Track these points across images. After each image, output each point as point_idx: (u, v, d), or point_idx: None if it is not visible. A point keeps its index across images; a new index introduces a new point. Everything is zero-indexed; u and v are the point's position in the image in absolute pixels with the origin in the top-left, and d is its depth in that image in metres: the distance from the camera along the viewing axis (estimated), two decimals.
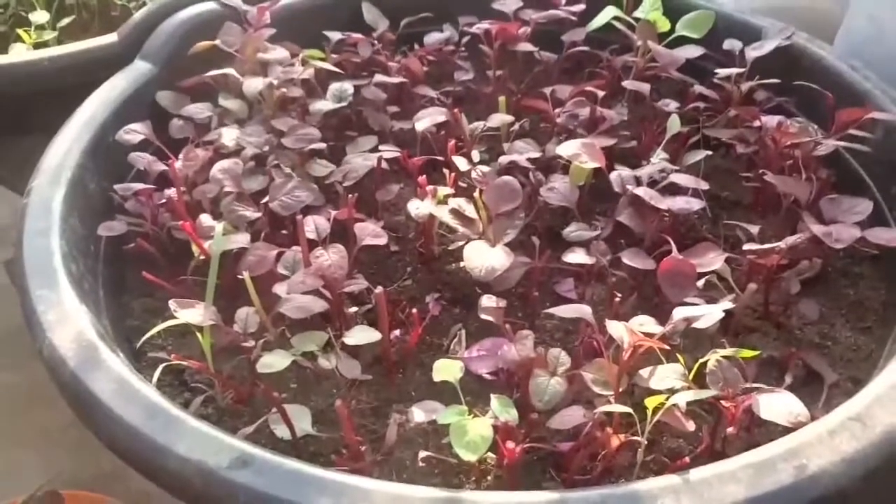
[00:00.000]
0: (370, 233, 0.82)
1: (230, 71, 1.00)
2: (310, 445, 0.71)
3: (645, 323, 0.68)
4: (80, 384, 0.65)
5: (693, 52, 1.07)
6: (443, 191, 0.85)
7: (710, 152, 0.94)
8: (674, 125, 0.95)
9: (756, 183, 0.94)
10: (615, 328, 0.66)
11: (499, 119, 0.99)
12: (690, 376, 0.65)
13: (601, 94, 1.01)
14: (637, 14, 1.11)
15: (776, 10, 1.18)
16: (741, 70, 1.03)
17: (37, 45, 1.25)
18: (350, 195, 0.85)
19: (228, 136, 0.93)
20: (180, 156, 0.91)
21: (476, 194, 0.84)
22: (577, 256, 0.81)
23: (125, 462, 0.62)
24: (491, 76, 1.11)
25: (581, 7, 1.14)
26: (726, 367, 0.65)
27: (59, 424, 1.17)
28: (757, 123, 0.96)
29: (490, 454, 0.65)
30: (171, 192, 0.87)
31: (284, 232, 0.85)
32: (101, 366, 0.66)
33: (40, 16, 1.30)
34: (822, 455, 0.57)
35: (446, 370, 0.67)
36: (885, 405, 0.61)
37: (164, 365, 0.74)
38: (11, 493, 1.00)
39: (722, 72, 1.03)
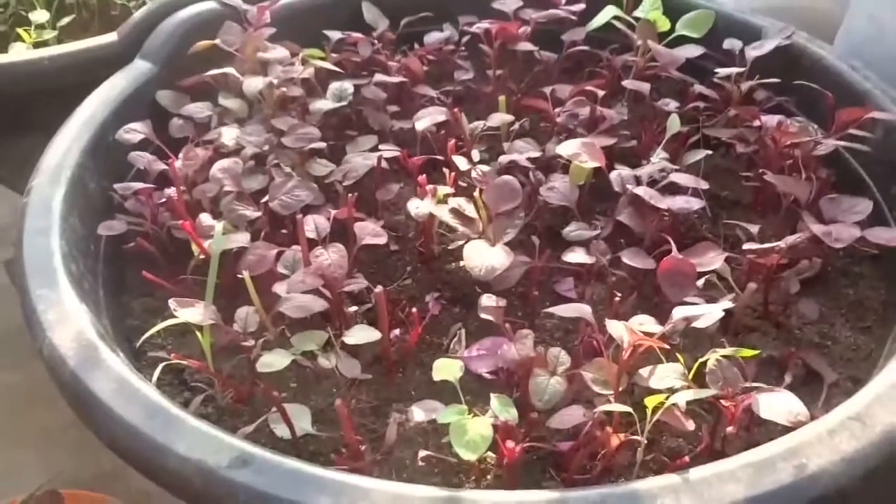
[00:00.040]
0: (370, 232, 0.82)
1: (230, 70, 1.00)
2: (309, 445, 0.71)
3: (645, 322, 0.68)
4: (80, 384, 0.65)
5: (693, 51, 1.07)
6: (443, 190, 0.85)
7: (709, 152, 0.94)
8: (674, 125, 0.95)
9: (756, 182, 0.94)
10: (615, 327, 0.66)
11: (499, 118, 0.99)
12: (690, 376, 0.65)
13: (601, 93, 1.01)
14: (637, 13, 1.11)
15: (776, 9, 1.18)
16: (741, 69, 1.03)
17: (37, 45, 1.25)
18: (350, 194, 0.85)
19: (228, 135, 0.93)
20: (180, 155, 0.91)
21: (476, 194, 0.83)
22: (576, 256, 0.81)
23: (125, 461, 0.62)
24: (491, 76, 1.11)
25: (581, 6, 1.14)
26: (726, 366, 0.65)
27: (59, 424, 1.17)
28: (757, 123, 0.96)
29: (490, 453, 0.65)
30: (170, 191, 0.87)
31: (284, 231, 0.85)
32: (101, 365, 0.66)
33: (40, 15, 1.30)
34: (822, 454, 0.57)
35: (446, 369, 0.67)
36: (885, 404, 0.61)
37: (163, 364, 0.74)
38: (11, 493, 1.00)
39: (722, 71, 1.03)
